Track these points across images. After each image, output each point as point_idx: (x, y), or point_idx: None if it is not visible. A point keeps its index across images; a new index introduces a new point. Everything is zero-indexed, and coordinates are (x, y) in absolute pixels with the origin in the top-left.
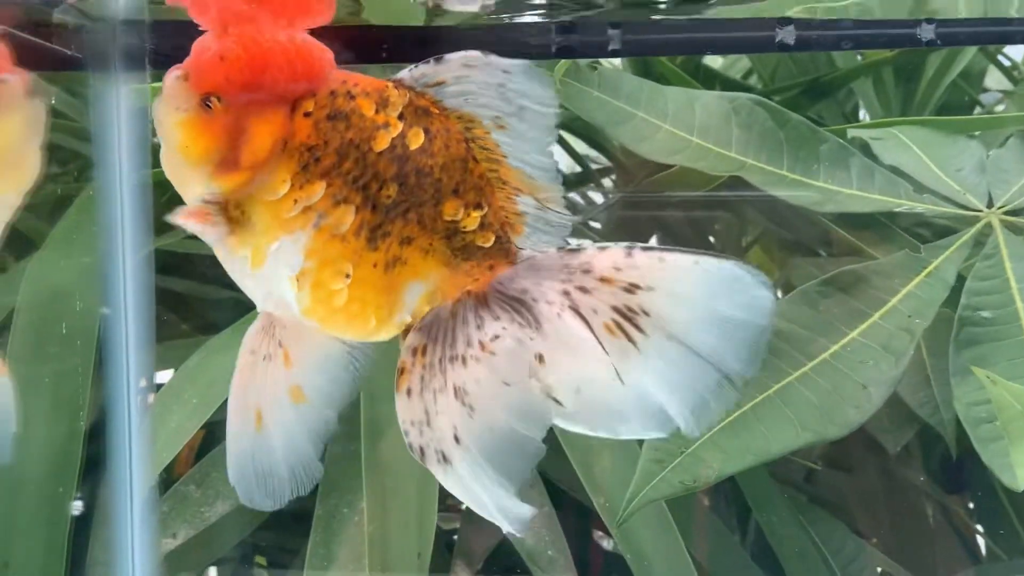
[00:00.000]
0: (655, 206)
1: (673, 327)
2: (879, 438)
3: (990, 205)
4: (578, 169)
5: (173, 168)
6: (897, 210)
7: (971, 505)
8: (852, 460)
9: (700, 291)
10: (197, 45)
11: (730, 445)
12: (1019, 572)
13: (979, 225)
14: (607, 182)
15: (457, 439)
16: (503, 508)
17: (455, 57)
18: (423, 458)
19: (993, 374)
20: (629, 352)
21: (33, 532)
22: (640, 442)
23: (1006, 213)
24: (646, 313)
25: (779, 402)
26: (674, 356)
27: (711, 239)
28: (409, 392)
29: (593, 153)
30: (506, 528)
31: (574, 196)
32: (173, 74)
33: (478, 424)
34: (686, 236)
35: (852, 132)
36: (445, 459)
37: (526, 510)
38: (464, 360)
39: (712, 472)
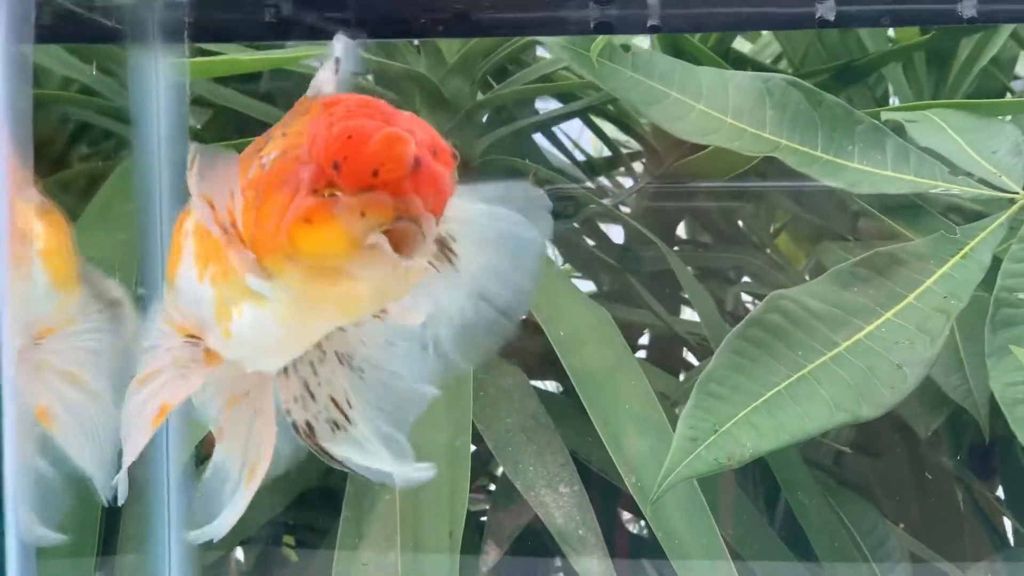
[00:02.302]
0: (685, 194)
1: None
2: (910, 422)
3: None
4: (608, 153)
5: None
6: (932, 192)
7: (1001, 491)
8: (882, 444)
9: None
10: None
11: (764, 424)
12: None
13: (1015, 207)
14: (637, 166)
15: (349, 403)
16: (402, 460)
17: None
18: (311, 433)
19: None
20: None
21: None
22: (672, 422)
23: None
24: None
25: (813, 382)
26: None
27: (739, 224)
28: (285, 371)
29: (623, 137)
30: (400, 482)
31: (603, 180)
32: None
33: (370, 385)
34: (715, 223)
35: (886, 115)
36: (338, 427)
37: (423, 465)
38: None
39: (746, 451)
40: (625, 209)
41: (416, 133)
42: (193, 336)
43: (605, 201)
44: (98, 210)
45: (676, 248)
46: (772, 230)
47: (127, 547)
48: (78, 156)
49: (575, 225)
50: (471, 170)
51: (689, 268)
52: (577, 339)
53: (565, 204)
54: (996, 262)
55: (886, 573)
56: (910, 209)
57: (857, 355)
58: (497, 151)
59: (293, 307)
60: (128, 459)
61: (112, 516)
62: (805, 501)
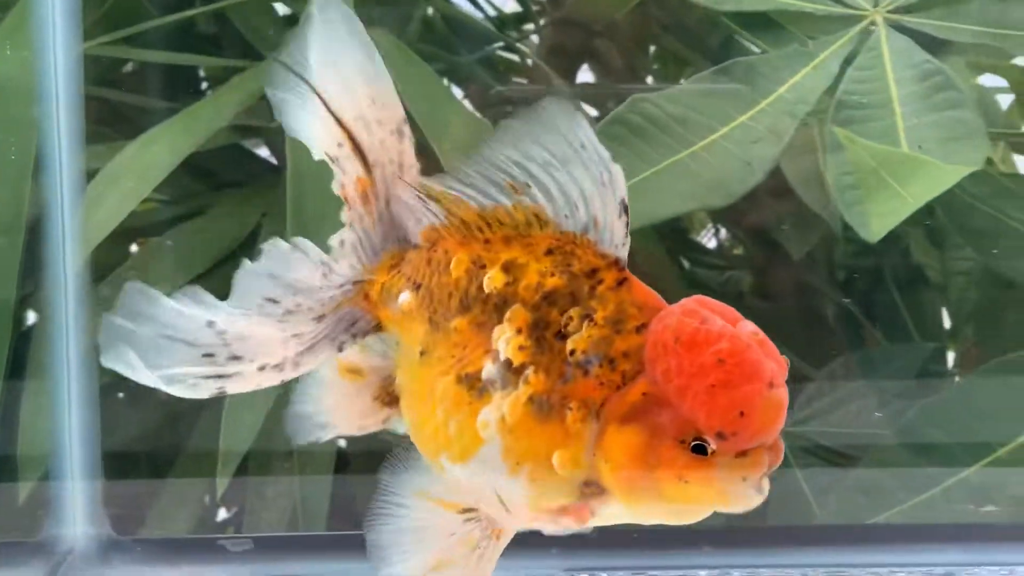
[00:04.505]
0: (584, 36)
1: None
2: (784, 245)
3: (876, 5)
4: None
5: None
6: (790, 9)
7: (868, 307)
8: (755, 263)
9: None
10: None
11: None
12: (899, 356)
13: (864, 23)
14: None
15: None
16: None
17: None
18: None
19: (851, 134)
20: None
21: None
22: None
23: (889, 12)
24: None
25: (668, 176)
26: None
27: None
28: None
29: None
30: None
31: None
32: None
33: None
34: (609, 61)
35: None
36: None
37: None
38: None
39: None
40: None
41: (770, 361)
42: (469, 509)
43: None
44: (8, 29)
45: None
46: (650, 55)
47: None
48: None
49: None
50: None
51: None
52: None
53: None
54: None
55: None
56: (769, 25)
57: (711, 153)
58: None
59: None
60: None
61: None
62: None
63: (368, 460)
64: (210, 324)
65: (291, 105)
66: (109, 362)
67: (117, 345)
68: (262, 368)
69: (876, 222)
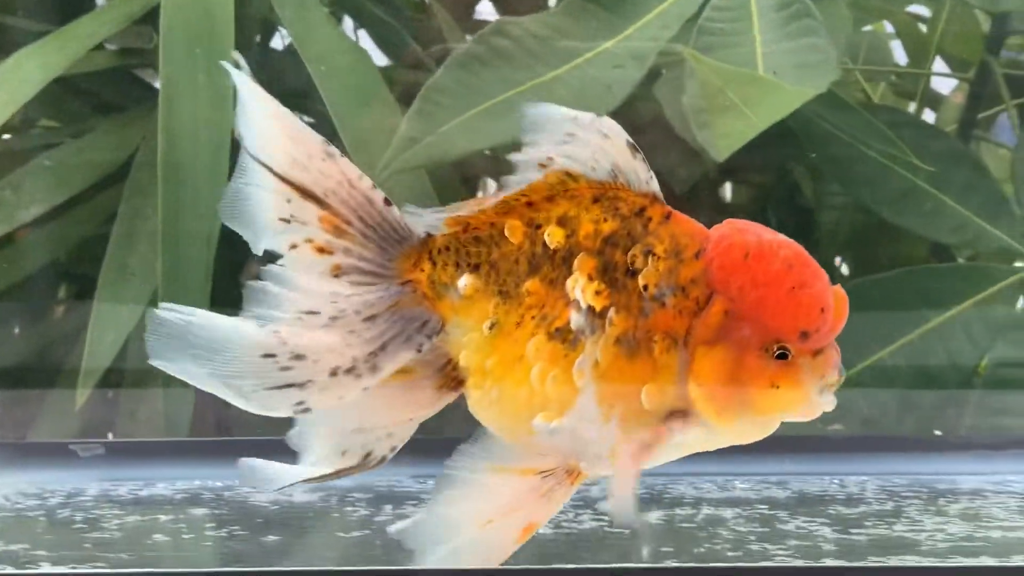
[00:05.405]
0: None
1: None
2: (667, 180)
3: None
4: None
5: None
6: None
7: None
8: None
9: None
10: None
11: (480, 128)
12: None
13: None
14: None
15: None
16: None
17: None
18: None
19: (698, 54)
20: None
21: None
22: None
23: None
24: None
25: (530, 96)
26: None
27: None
28: None
29: None
30: None
31: None
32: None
33: None
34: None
35: None
36: None
37: None
38: None
39: (458, 150)
40: None
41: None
42: (545, 471)
43: None
44: None
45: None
46: None
47: None
48: None
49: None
50: None
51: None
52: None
53: None
54: None
55: None
56: None
57: (574, 76)
58: None
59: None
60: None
61: None
62: None
63: None
64: (260, 324)
65: (240, 193)
66: (162, 364)
67: (170, 346)
68: (334, 373)
69: (722, 142)
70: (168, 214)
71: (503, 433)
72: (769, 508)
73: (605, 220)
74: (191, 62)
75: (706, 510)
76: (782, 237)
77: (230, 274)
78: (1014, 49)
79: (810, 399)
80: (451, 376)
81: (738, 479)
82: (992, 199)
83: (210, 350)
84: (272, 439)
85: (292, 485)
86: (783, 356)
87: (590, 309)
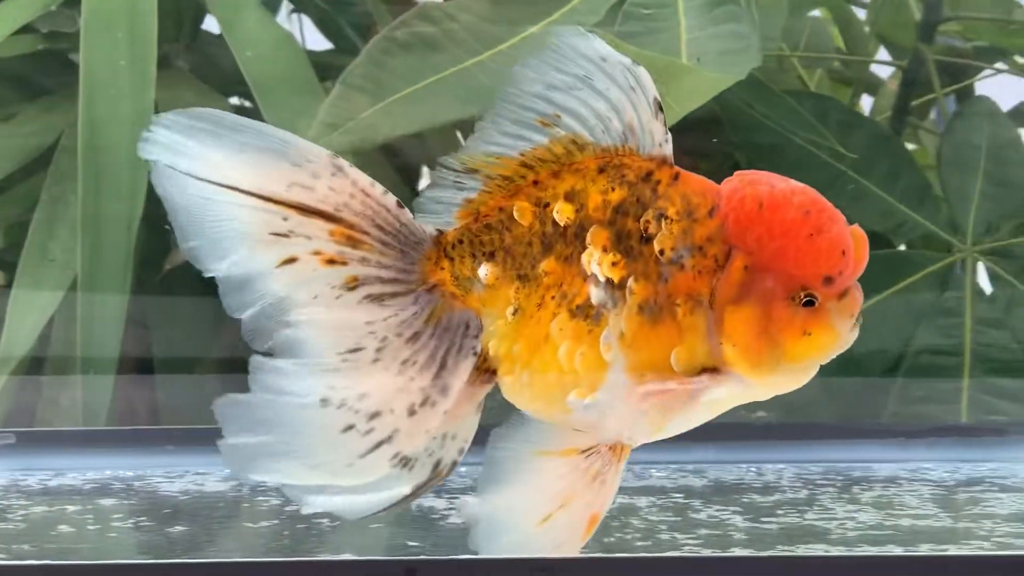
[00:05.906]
0: None
1: None
2: None
3: None
4: None
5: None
6: None
7: None
8: None
9: None
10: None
11: (400, 113)
12: None
13: None
14: None
15: None
16: None
17: None
18: None
19: (616, 39)
20: None
21: None
22: None
23: None
24: None
25: (453, 82)
26: None
27: None
28: None
29: None
30: None
31: None
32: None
33: None
34: None
35: None
36: None
37: None
38: None
39: (379, 136)
40: None
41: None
42: (589, 449)
43: None
44: None
45: None
46: None
47: None
48: None
49: None
50: None
51: None
52: (262, 59)
53: None
54: None
55: None
56: None
57: (498, 63)
58: None
59: (742, 395)
60: None
61: None
62: None
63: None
64: (324, 403)
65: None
66: (260, 478)
67: (256, 462)
68: (412, 412)
69: None
70: (88, 198)
71: (541, 415)
72: (684, 497)
73: (612, 189)
74: (113, 46)
75: (620, 499)
76: (795, 183)
77: (152, 260)
78: (951, 36)
79: (843, 339)
80: (482, 368)
81: (655, 467)
82: (916, 186)
83: (293, 451)
84: (191, 428)
85: (375, 514)
86: (810, 303)
87: (608, 281)
